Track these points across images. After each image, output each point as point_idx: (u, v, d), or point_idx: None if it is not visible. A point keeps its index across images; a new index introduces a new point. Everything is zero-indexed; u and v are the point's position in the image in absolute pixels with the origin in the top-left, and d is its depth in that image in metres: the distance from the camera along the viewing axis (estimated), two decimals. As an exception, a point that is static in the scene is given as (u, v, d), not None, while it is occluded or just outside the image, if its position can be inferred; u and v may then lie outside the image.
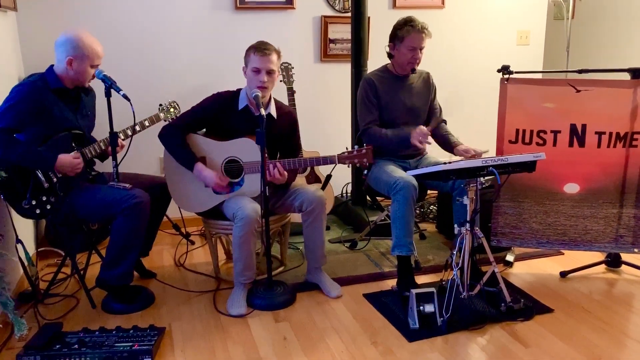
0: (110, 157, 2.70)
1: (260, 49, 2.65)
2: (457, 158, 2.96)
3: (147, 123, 2.92)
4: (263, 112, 2.53)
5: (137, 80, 3.66)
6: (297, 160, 2.74)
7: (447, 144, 3.13)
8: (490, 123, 3.10)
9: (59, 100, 2.59)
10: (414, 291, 2.49)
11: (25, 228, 3.03)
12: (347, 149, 2.68)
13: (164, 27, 3.67)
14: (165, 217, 3.57)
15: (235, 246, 2.66)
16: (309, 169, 3.73)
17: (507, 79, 2.99)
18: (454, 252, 2.60)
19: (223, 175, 2.78)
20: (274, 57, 2.68)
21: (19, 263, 2.61)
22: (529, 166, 2.55)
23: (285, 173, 2.69)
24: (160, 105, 3.07)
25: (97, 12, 3.52)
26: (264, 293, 2.75)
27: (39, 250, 3.31)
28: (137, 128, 2.87)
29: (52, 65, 2.61)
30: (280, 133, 2.86)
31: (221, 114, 2.79)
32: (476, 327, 2.49)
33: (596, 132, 2.91)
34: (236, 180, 2.78)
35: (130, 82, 3.60)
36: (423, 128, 2.88)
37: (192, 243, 3.63)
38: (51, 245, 3.33)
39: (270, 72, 2.67)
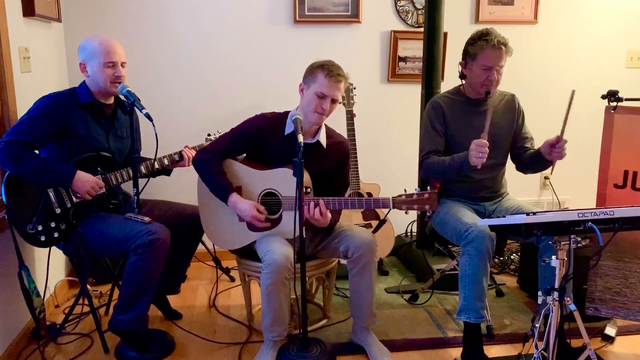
0: (133, 181, 2.37)
1: (333, 73, 2.26)
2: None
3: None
4: (301, 138, 2.11)
5: (185, 99, 3.40)
6: (342, 200, 2.28)
7: (538, 158, 2.49)
8: (591, 162, 2.52)
9: (88, 117, 2.33)
10: (482, 374, 1.95)
11: (51, 253, 2.77)
12: (405, 190, 2.19)
13: (215, 43, 3.38)
14: (205, 249, 3.27)
15: (263, 296, 2.25)
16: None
17: (615, 108, 2.40)
18: (537, 326, 2.03)
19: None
20: (343, 84, 2.32)
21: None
22: (644, 222, 1.93)
23: (328, 213, 2.25)
24: (209, 135, 2.81)
25: (145, 22, 3.28)
26: (297, 354, 2.29)
27: (68, 279, 3.08)
28: (177, 158, 2.58)
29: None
30: (328, 166, 2.43)
31: (264, 138, 2.41)
32: None
33: None
34: (274, 217, 2.37)
35: (178, 100, 3.37)
36: (481, 140, 2.26)
37: (232, 280, 3.26)
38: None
39: (334, 100, 2.31)
